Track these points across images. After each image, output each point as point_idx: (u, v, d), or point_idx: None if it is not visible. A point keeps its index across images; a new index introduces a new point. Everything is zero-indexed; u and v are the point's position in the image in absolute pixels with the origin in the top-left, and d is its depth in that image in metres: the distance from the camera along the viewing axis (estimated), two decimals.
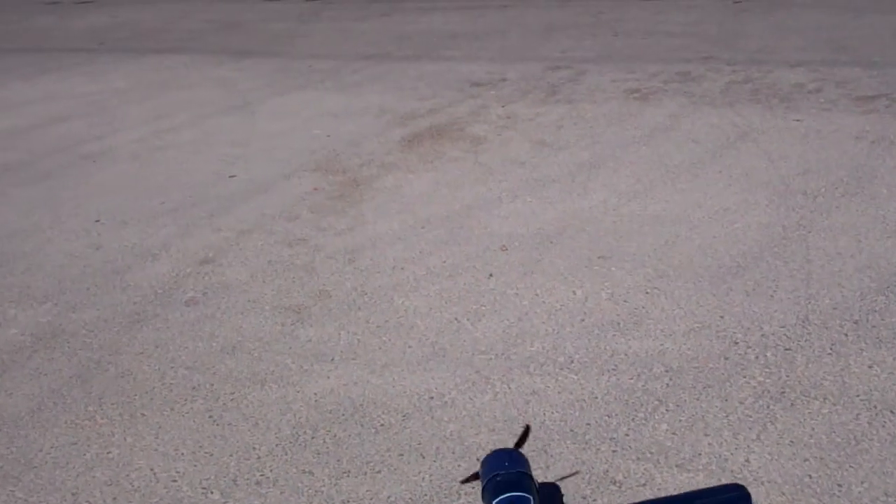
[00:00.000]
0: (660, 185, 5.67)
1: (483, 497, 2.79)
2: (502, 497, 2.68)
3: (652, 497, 3.24)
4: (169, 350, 4.25)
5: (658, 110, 7.14)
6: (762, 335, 3.90)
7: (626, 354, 3.85)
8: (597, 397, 3.58)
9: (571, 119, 7.13)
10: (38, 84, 10.00)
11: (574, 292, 4.43)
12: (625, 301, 4.30)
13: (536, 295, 4.44)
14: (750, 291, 4.27)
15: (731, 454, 3.19)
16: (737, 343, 3.86)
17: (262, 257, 5.16)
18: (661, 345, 3.89)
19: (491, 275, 4.67)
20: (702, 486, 3.02)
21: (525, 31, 10.38)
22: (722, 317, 4.07)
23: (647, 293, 4.34)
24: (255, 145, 7.18)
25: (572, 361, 3.84)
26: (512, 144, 6.70)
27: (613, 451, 3.26)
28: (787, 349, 3.78)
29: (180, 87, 9.31)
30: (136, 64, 10.64)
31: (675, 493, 3.10)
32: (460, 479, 3.29)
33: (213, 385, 3.93)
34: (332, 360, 4.03)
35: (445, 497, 3.15)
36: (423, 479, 3.23)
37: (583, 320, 4.16)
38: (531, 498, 2.65)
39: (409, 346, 4.09)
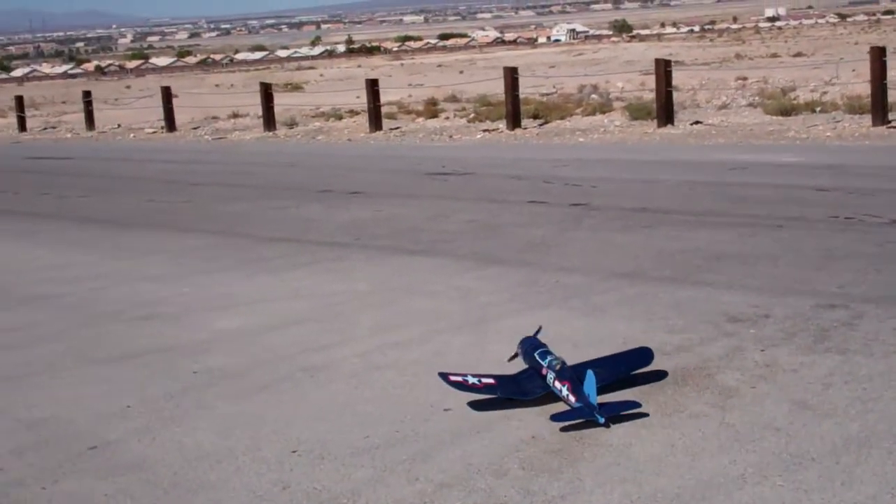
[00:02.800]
0: None
1: (525, 357, 6.21)
2: (538, 351, 6.09)
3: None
4: None
5: None
6: None
7: None
8: None
9: (842, 375, 6.11)
10: (283, 279, 9.98)
11: None
12: None
13: None
14: None
15: None
16: None
17: None
18: None
19: None
20: None
21: (798, 258, 9.40)
22: None
23: None
24: (482, 371, 6.60)
25: None
26: (767, 402, 5.77)
27: None
28: None
29: (420, 295, 8.98)
30: (385, 264, 10.49)
31: None
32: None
33: None
34: None
35: None
36: None
37: None
38: (550, 350, 6.06)
39: None
